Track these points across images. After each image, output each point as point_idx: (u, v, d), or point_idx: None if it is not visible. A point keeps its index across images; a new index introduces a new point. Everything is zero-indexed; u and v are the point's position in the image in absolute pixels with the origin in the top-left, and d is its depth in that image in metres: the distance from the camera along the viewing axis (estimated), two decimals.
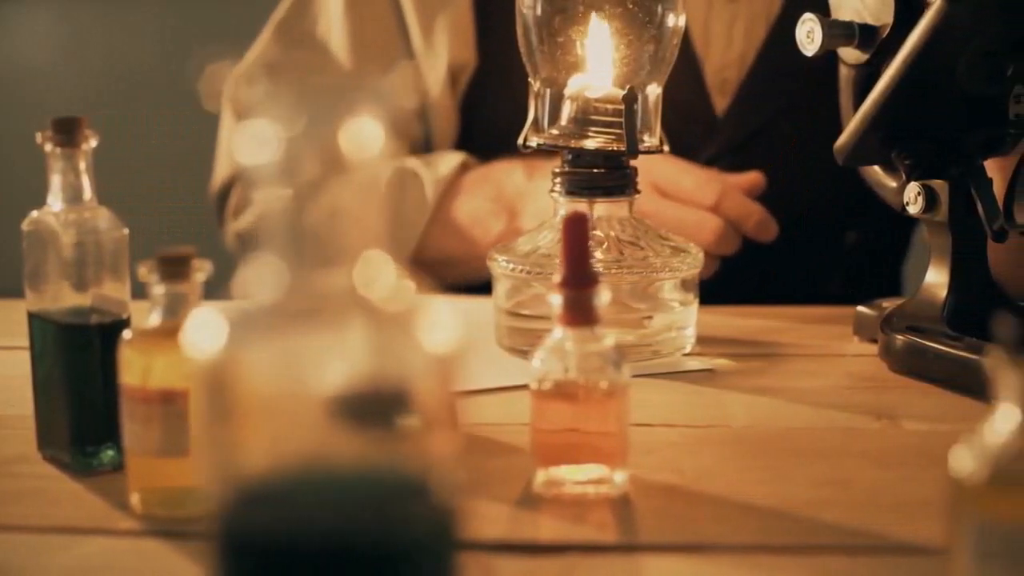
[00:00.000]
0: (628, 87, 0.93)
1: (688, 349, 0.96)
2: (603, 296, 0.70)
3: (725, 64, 1.26)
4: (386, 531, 0.40)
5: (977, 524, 0.51)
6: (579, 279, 0.69)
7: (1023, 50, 0.89)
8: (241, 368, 0.40)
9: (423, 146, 1.30)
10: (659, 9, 0.95)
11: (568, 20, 0.94)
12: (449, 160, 1.23)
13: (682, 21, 0.96)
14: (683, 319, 0.96)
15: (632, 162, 0.96)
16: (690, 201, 1.11)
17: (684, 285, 0.95)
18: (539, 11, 0.95)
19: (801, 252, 1.25)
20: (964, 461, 0.51)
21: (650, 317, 0.94)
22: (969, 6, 0.85)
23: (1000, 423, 0.51)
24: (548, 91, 0.96)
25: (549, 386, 0.70)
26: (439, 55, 1.26)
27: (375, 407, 0.41)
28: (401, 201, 1.21)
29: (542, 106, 0.96)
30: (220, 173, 1.34)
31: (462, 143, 1.30)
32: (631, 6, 0.94)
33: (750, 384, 0.90)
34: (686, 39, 1.23)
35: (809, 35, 0.92)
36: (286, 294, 0.41)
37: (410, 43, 1.28)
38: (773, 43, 1.24)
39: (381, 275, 0.41)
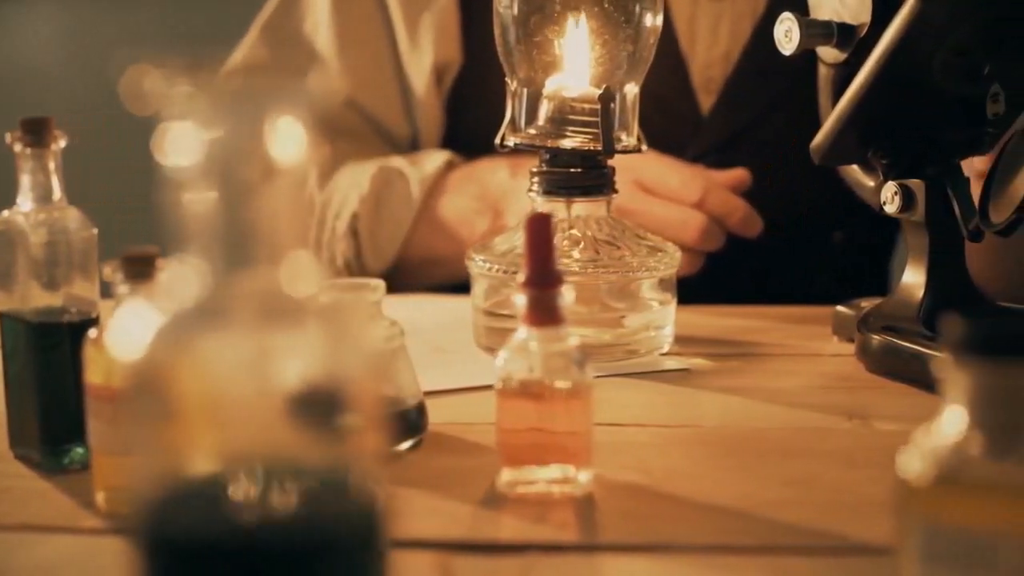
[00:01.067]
0: (605, 86, 0.93)
1: (665, 349, 0.96)
2: (568, 296, 0.70)
3: (710, 62, 1.26)
4: (312, 530, 0.40)
5: (924, 526, 0.51)
6: (543, 279, 0.69)
7: (999, 49, 0.88)
8: (165, 368, 0.40)
9: (409, 145, 1.30)
10: (636, 8, 0.94)
11: (545, 19, 0.94)
12: (434, 159, 1.23)
13: (659, 21, 0.96)
14: (661, 318, 0.95)
15: (617, 160, 0.95)
16: (675, 198, 1.11)
17: (662, 284, 0.95)
18: (516, 10, 0.95)
19: (788, 251, 1.25)
20: (911, 463, 0.51)
21: (623, 316, 0.94)
22: (943, 4, 0.84)
23: (948, 424, 0.51)
24: (525, 90, 0.96)
25: (514, 385, 0.70)
26: (424, 53, 1.26)
27: (305, 406, 0.41)
28: (387, 200, 1.22)
29: (519, 105, 0.96)
30: None
31: (448, 142, 1.30)
32: (607, 5, 0.94)
33: (725, 384, 0.90)
34: (671, 38, 1.23)
35: (787, 34, 0.92)
36: (212, 294, 0.41)
37: (396, 42, 1.28)
38: (758, 42, 1.24)
39: (308, 275, 0.41)
